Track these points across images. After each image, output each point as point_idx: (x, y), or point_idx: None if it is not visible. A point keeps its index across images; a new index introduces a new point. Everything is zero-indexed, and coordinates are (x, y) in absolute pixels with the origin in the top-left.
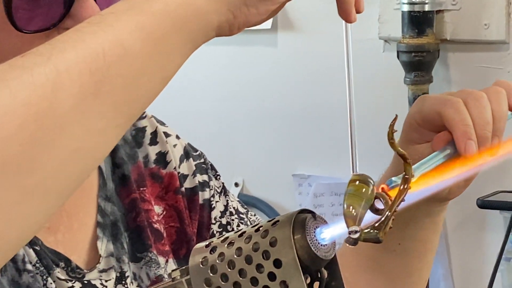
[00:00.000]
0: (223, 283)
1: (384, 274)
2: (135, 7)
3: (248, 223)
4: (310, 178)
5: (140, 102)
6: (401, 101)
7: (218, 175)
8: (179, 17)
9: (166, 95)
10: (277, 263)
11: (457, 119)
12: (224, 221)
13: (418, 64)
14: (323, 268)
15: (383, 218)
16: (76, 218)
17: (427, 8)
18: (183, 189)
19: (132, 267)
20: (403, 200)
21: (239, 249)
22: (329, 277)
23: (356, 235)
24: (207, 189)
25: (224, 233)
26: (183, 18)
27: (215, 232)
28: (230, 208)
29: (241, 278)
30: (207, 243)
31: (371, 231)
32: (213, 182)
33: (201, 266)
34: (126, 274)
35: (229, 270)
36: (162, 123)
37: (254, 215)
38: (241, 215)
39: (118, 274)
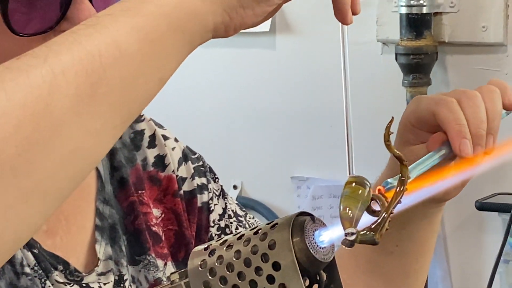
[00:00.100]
0: (222, 286)
1: (382, 276)
2: (131, 9)
3: (247, 226)
4: (308, 181)
5: (137, 103)
6: (399, 103)
7: (217, 178)
8: (175, 18)
9: (165, 98)
10: (276, 266)
11: (451, 119)
12: (222, 224)
13: (416, 67)
14: (322, 271)
15: (379, 220)
16: (74, 221)
17: (425, 10)
18: (181, 192)
19: (130, 270)
20: (399, 202)
21: (238, 252)
22: (328, 280)
23: (353, 237)
24: (206, 192)
25: (222, 236)
26: (179, 19)
27: (213, 235)
28: (229, 211)
29: (240, 281)
30: (206, 246)
31: (368, 233)
32: (212, 185)
33: (200, 269)
34: (125, 277)
35: (228, 273)
36: (161, 126)
37: (253, 217)
38: (239, 218)
39: (116, 277)
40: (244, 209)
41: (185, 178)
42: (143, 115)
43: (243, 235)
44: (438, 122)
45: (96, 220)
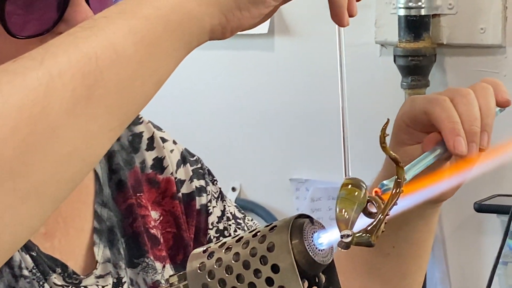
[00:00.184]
0: None
1: (379, 278)
2: (127, 11)
3: (245, 228)
4: (307, 183)
5: (134, 105)
6: (398, 105)
7: (215, 180)
8: (171, 20)
9: (163, 100)
10: (275, 268)
11: (444, 117)
12: (221, 226)
13: (415, 68)
14: (320, 273)
15: (375, 222)
16: (73, 224)
17: (423, 12)
18: (180, 194)
19: (129, 273)
20: (395, 203)
21: (236, 254)
22: (326, 282)
23: (348, 239)
24: (204, 195)
25: (221, 238)
26: (175, 21)
27: (212, 237)
28: (227, 213)
29: (239, 284)
30: (205, 248)
31: (363, 234)
32: (210, 188)
33: (198, 271)
34: (123, 280)
35: (227, 275)
36: (159, 129)
37: (251, 220)
38: (238, 220)
39: (115, 280)
40: (242, 211)
41: (184, 181)
42: (141, 118)
43: (242, 237)
44: (431, 121)
45: (95, 222)
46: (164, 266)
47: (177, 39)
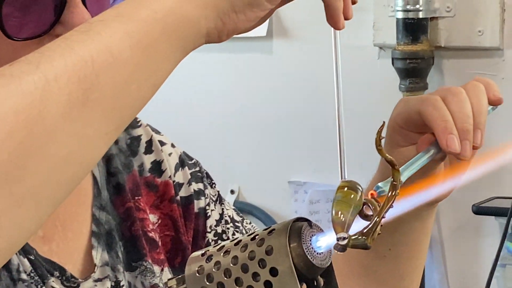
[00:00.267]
0: None
1: (376, 280)
2: (123, 15)
3: (244, 231)
4: (306, 185)
5: (130, 109)
6: None
7: (214, 183)
8: (168, 24)
9: (161, 103)
10: (273, 272)
11: (436, 116)
12: (219, 229)
13: (413, 71)
14: (319, 276)
15: (371, 225)
16: (71, 227)
17: (421, 15)
18: (178, 197)
19: (127, 276)
20: (391, 206)
21: (235, 257)
22: (325, 285)
23: (344, 242)
24: (203, 198)
25: (219, 241)
26: (172, 25)
27: (210, 240)
28: (226, 216)
29: (237, 287)
30: (203, 251)
31: (359, 237)
32: (209, 191)
33: (197, 274)
34: (121, 283)
35: (225, 278)
36: (158, 132)
37: (250, 223)
38: (236, 224)
39: (113, 283)
40: (241, 214)
41: (182, 184)
42: (139, 121)
43: (240, 240)
44: (424, 122)
45: (93, 226)
46: (162, 270)
47: (173, 42)
